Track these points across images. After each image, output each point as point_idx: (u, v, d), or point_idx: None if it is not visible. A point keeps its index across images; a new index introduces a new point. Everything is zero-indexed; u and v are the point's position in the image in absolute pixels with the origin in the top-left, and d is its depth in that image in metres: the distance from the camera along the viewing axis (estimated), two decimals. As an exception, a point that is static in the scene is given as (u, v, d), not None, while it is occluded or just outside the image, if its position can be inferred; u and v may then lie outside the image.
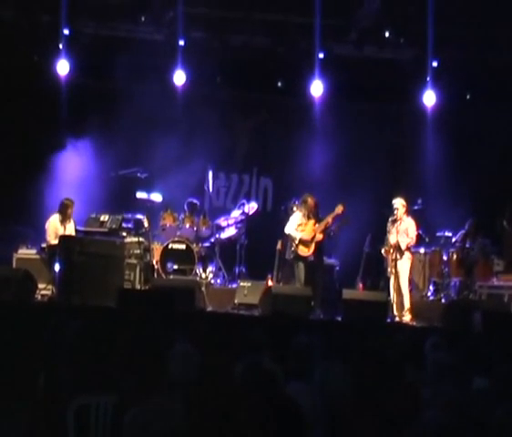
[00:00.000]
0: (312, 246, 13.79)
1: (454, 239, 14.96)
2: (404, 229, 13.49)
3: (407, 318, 13.05)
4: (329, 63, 15.82)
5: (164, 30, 15.76)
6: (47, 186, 15.17)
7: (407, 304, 13.20)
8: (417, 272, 14.78)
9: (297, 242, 13.72)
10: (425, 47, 15.32)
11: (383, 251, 13.66)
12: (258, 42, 16.04)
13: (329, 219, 13.90)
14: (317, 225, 13.83)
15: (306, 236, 13.77)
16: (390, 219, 13.58)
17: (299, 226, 13.82)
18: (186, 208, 15.16)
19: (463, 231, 14.91)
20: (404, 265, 13.44)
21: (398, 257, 13.38)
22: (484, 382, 6.00)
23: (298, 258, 13.82)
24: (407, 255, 13.51)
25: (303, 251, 13.78)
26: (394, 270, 13.36)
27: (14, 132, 15.83)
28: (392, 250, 13.41)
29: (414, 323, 12.82)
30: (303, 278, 13.72)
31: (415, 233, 13.71)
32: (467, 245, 14.71)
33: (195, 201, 15.25)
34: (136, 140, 15.85)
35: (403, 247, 13.39)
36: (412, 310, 13.20)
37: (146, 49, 15.59)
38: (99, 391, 5.91)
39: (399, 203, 13.58)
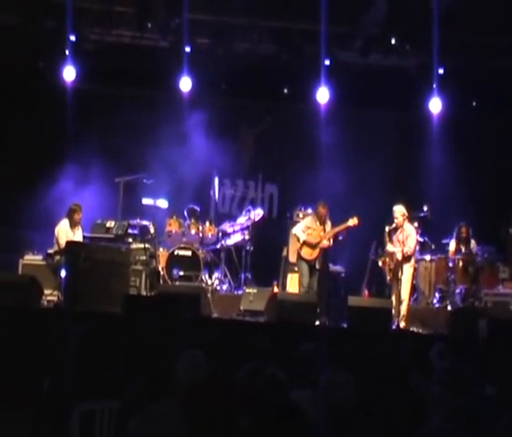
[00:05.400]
0: (317, 251, 13.80)
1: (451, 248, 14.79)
2: (404, 239, 13.47)
3: (402, 324, 13.02)
4: (335, 70, 15.80)
5: (170, 37, 15.75)
6: (53, 191, 15.17)
7: (403, 311, 13.18)
8: (423, 279, 14.76)
9: (301, 243, 13.76)
10: (431, 54, 15.26)
11: (380, 263, 13.65)
12: (263, 49, 16.02)
13: (339, 229, 13.91)
14: (325, 231, 13.84)
15: (312, 239, 13.80)
16: (388, 228, 13.55)
17: (307, 228, 13.88)
18: (186, 214, 15.13)
19: (453, 240, 14.75)
20: (406, 273, 13.41)
21: (400, 265, 13.36)
22: (493, 391, 5.98)
23: (301, 259, 13.85)
24: (410, 263, 13.50)
25: (306, 254, 13.80)
26: (395, 278, 13.36)
27: (19, 138, 15.85)
28: (389, 260, 13.41)
29: (420, 330, 12.79)
30: (307, 281, 13.72)
31: (415, 242, 13.66)
32: (464, 250, 14.60)
33: (195, 207, 15.19)
34: (141, 146, 15.86)
35: (399, 257, 13.35)
36: (407, 318, 13.18)
37: (151, 56, 15.61)
38: (104, 397, 5.91)
39: (399, 212, 13.55)
